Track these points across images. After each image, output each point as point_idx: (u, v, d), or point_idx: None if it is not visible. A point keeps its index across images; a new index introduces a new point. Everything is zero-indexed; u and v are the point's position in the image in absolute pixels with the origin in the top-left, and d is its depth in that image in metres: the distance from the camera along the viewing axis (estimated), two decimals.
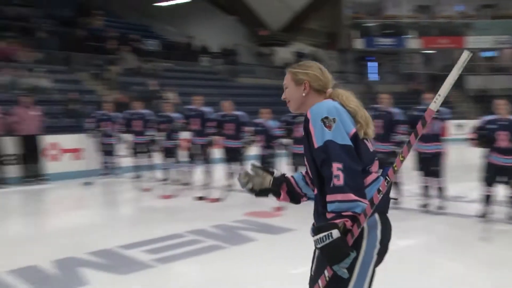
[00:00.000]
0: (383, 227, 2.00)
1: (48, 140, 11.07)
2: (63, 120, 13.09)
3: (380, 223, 1.99)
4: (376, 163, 2.09)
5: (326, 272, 1.93)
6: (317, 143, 1.94)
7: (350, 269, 1.90)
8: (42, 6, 18.82)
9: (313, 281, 2.03)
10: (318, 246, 1.85)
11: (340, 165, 1.86)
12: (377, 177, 2.02)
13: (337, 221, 1.85)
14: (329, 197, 1.88)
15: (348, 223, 1.86)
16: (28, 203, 9.10)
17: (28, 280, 4.44)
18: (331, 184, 1.86)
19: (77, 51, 16.55)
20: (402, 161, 1.82)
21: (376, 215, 1.98)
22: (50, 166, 10.96)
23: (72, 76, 15.76)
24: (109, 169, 11.44)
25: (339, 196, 1.85)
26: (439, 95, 1.72)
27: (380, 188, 1.84)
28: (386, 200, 2.01)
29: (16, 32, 15.96)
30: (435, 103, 1.73)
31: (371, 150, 2.07)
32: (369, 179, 2.00)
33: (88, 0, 20.59)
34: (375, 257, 1.97)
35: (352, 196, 1.84)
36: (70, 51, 16.40)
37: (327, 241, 1.82)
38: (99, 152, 11.28)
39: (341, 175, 1.85)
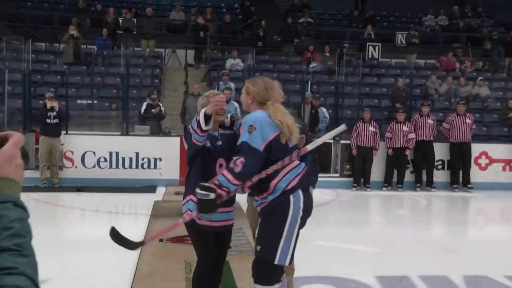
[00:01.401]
0: (305, 199, 2.88)
1: (478, 148, 11.00)
2: (496, 129, 12.70)
3: (303, 197, 2.87)
4: (294, 154, 2.89)
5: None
6: (240, 140, 2.84)
7: (280, 230, 2.82)
8: (493, 15, 18.67)
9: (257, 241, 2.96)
10: (197, 197, 2.80)
11: (243, 160, 2.74)
12: (296, 165, 2.91)
13: (218, 190, 2.79)
14: (224, 172, 2.80)
15: (223, 194, 2.81)
16: (453, 210, 9.32)
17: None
18: (231, 166, 2.77)
19: None
20: (267, 173, 2.85)
21: (300, 191, 2.87)
22: (477, 175, 10.86)
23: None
24: None
25: (229, 176, 2.78)
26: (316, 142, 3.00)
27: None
28: (307, 181, 2.96)
29: (464, 43, 16.45)
30: (311, 145, 2.92)
31: (290, 146, 2.89)
32: (294, 164, 2.91)
33: None
34: (299, 221, 2.86)
35: (236, 182, 2.78)
36: None
37: (204, 198, 2.78)
38: None
39: (240, 166, 2.75)
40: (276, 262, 2.84)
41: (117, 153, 10.17)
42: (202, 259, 3.10)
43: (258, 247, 2.91)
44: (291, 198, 2.84)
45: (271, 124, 2.85)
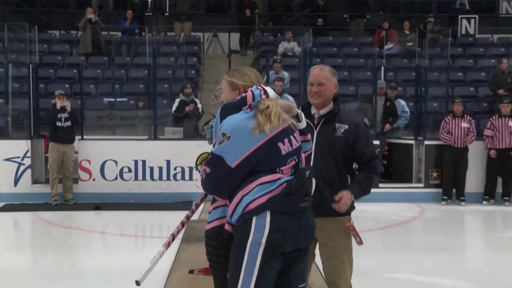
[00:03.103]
0: (274, 227, 2.77)
1: None
2: None
3: (270, 224, 2.77)
4: (291, 164, 2.89)
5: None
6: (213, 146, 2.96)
7: (238, 262, 2.79)
8: None
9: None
10: None
11: (207, 169, 2.89)
12: (273, 180, 2.82)
13: None
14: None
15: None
16: None
17: None
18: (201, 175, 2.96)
19: None
20: None
21: (268, 216, 2.78)
22: None
23: None
24: None
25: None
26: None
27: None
28: (289, 200, 2.82)
29: None
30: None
31: (284, 153, 2.87)
32: (268, 178, 2.82)
33: None
34: (260, 256, 2.76)
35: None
36: None
37: None
38: None
39: (203, 175, 2.91)
40: None
41: (143, 162, 10.18)
42: None
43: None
44: (254, 220, 2.78)
45: (252, 134, 2.82)
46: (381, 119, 10.86)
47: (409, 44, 14.78)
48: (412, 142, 10.82)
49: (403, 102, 11.37)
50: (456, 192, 10.26)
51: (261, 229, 2.77)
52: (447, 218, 9.56)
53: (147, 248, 7.50)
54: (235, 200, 2.84)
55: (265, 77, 11.82)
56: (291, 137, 2.90)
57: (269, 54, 13.95)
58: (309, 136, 3.11)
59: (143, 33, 14.95)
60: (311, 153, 3.29)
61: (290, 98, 10.18)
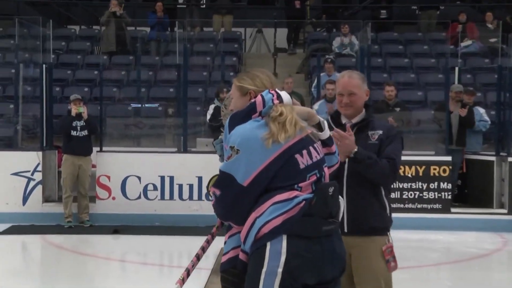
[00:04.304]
0: (291, 254, 2.77)
1: None
2: None
3: (286, 250, 2.77)
4: (311, 179, 2.87)
5: None
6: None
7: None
8: None
9: None
10: None
11: (217, 192, 2.91)
12: (290, 198, 2.80)
13: None
14: None
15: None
16: None
17: None
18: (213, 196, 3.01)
19: None
20: None
21: (284, 240, 2.77)
22: None
23: None
24: None
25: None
26: None
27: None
28: (308, 222, 2.81)
29: None
30: None
31: (302, 167, 2.86)
32: (283, 196, 2.81)
33: None
34: (276, 283, 2.76)
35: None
36: None
37: None
38: None
39: (214, 199, 2.95)
40: None
41: (171, 178, 10.19)
42: None
43: None
44: (268, 246, 2.79)
45: (264, 145, 2.83)
46: (456, 132, 10.58)
47: (492, 40, 14.55)
48: (493, 158, 10.57)
49: (482, 110, 11.14)
50: None
51: (276, 256, 2.77)
52: None
53: (173, 279, 7.42)
54: (248, 223, 2.86)
55: (316, 80, 11.71)
56: (311, 148, 2.90)
57: (321, 53, 13.87)
58: (334, 147, 3.12)
59: (175, 29, 15.07)
60: (341, 168, 3.41)
61: None
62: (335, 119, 3.79)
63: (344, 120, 3.77)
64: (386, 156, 3.64)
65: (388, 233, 3.73)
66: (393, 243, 3.72)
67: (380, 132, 3.69)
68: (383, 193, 3.71)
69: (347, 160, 3.58)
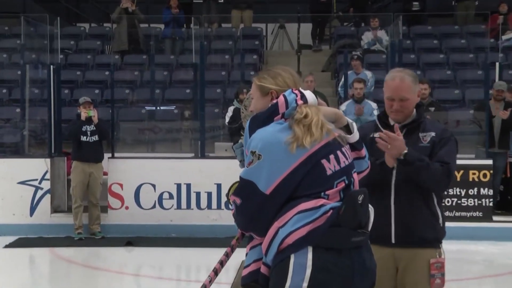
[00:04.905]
0: (317, 267, 2.75)
1: None
2: None
3: (312, 263, 2.76)
4: (339, 186, 2.86)
5: None
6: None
7: None
8: None
9: None
10: None
11: (238, 201, 2.88)
12: (316, 206, 2.78)
13: None
14: None
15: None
16: None
17: None
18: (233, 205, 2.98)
19: None
20: None
21: (310, 252, 2.76)
22: None
23: None
24: None
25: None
26: None
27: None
28: (336, 233, 2.78)
29: None
30: None
31: (329, 173, 2.84)
32: (309, 204, 2.79)
33: None
34: None
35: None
36: None
37: None
38: None
39: (234, 208, 2.93)
40: None
41: (188, 186, 10.18)
42: None
43: None
44: (292, 258, 2.78)
45: (287, 150, 2.81)
46: (498, 133, 10.46)
47: None
48: None
49: None
50: None
51: (301, 270, 2.76)
52: None
53: None
54: (270, 233, 2.84)
55: (343, 79, 11.66)
56: (339, 152, 2.88)
57: (349, 49, 13.80)
58: (363, 151, 3.08)
59: (191, 25, 15.08)
60: (389, 173, 3.49)
61: (374, 105, 10.01)
62: (382, 120, 3.77)
63: (392, 122, 3.71)
64: (439, 159, 3.59)
65: (440, 246, 3.69)
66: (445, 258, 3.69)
67: (433, 134, 3.66)
68: (435, 201, 3.67)
69: (395, 165, 3.56)
